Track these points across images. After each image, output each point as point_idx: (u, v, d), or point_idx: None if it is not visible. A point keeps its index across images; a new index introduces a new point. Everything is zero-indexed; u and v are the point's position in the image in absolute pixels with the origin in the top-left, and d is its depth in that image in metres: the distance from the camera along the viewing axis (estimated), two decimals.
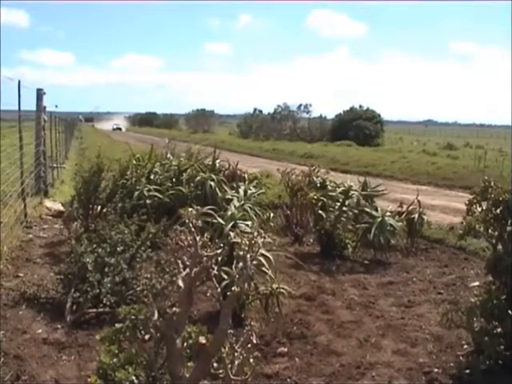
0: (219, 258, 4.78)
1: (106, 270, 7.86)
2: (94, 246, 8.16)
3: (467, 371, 6.36)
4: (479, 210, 6.67)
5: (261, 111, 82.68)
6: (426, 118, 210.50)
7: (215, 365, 4.58)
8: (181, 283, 4.61)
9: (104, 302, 7.52)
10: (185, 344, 4.63)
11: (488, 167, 33.67)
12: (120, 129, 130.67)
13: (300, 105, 76.93)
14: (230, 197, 11.29)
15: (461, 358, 6.66)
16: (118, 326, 4.64)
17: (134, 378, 4.52)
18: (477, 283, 7.82)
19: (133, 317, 4.59)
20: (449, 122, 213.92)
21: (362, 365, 6.62)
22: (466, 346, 6.94)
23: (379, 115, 70.10)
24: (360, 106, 70.25)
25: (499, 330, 6.32)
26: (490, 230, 6.61)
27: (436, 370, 6.56)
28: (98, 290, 7.60)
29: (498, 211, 6.45)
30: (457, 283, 10.19)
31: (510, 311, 6.30)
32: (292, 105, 77.54)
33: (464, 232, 6.89)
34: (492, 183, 6.64)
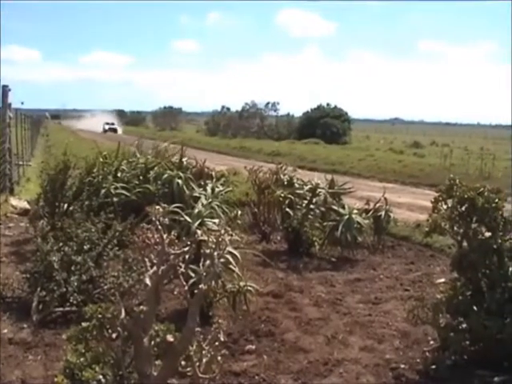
0: (186, 256, 4.77)
1: (73, 268, 7.80)
2: (61, 244, 8.10)
3: (433, 367, 6.44)
4: (445, 207, 6.74)
5: (228, 109, 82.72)
6: (393, 117, 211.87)
7: (183, 363, 4.58)
8: (148, 281, 4.60)
9: (71, 300, 7.47)
10: (152, 342, 4.61)
11: (454, 165, 34.05)
12: (115, 130, 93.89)
13: (268, 103, 77.09)
14: (197, 195, 11.25)
15: (427, 353, 6.71)
16: (84, 324, 4.61)
17: (101, 377, 4.50)
18: (443, 280, 7.88)
19: (100, 315, 4.57)
20: (415, 120, 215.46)
21: (330, 361, 6.65)
22: (432, 342, 6.99)
23: (346, 113, 70.48)
24: (327, 104, 70.56)
25: (464, 325, 6.38)
26: (455, 228, 6.68)
27: (403, 365, 6.61)
28: (64, 289, 7.55)
29: (464, 209, 6.52)
30: (423, 280, 10.29)
31: (474, 307, 6.37)
32: (260, 103, 77.65)
33: (430, 229, 6.96)
34: (457, 181, 6.71)
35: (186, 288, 4.94)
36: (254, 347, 7.00)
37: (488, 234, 6.53)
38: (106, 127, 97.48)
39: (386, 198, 12.89)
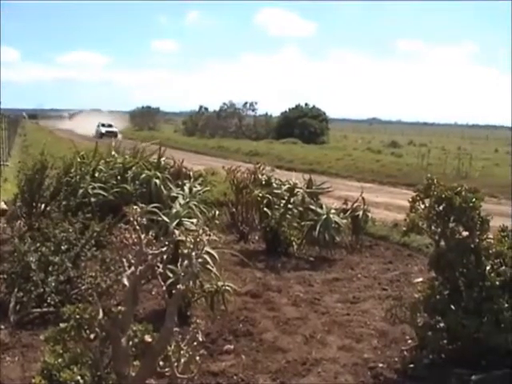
0: (164, 256, 4.76)
1: (50, 268, 7.77)
2: (38, 244, 8.06)
3: (411, 365, 6.47)
4: (422, 207, 6.77)
5: (206, 109, 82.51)
6: (371, 116, 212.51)
7: (161, 363, 4.57)
8: (126, 282, 4.58)
9: (48, 301, 7.44)
10: (130, 343, 4.60)
11: (431, 165, 34.21)
12: (115, 134, 62.22)
13: (246, 102, 76.97)
14: (175, 194, 11.25)
15: (405, 352, 6.75)
16: (62, 325, 4.59)
17: (79, 377, 4.48)
18: (420, 279, 7.91)
19: (78, 316, 4.54)
20: (393, 120, 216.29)
21: (308, 361, 6.67)
22: (409, 341, 7.03)
23: (324, 113, 70.55)
24: (306, 104, 70.60)
25: (442, 324, 6.43)
26: (432, 227, 6.72)
27: (381, 364, 6.64)
28: (42, 290, 7.51)
29: (441, 208, 6.56)
30: (401, 279, 10.33)
31: (452, 306, 6.41)
32: (238, 102, 77.55)
33: (407, 229, 6.99)
34: (435, 181, 6.75)
35: (164, 288, 4.94)
36: (232, 347, 7.00)
37: (465, 234, 6.57)
38: (102, 130, 72.43)
39: (363, 198, 12.94)
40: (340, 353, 6.98)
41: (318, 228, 11.61)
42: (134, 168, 13.60)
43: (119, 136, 62.62)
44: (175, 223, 8.51)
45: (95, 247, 8.44)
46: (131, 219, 4.75)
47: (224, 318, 7.74)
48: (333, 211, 12.13)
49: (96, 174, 13.05)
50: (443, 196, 6.51)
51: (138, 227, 4.66)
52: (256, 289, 9.34)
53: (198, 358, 4.57)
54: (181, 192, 11.33)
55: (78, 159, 13.51)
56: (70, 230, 8.44)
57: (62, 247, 8.09)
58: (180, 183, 12.63)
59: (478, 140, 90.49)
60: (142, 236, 4.63)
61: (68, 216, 9.55)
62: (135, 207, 4.89)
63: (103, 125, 78.20)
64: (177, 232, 5.45)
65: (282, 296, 9.13)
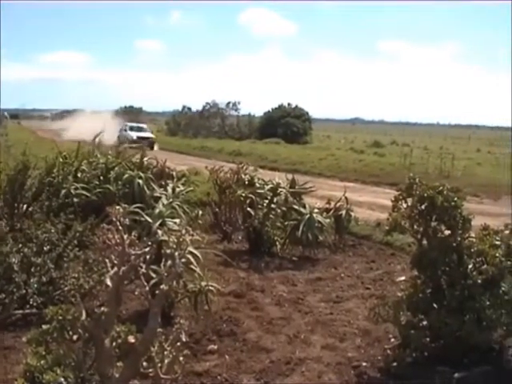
0: (147, 257, 4.75)
1: (33, 270, 7.73)
2: (20, 245, 8.01)
3: (394, 364, 6.50)
4: (405, 206, 6.80)
5: (189, 108, 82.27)
6: (354, 116, 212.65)
7: (145, 364, 4.56)
8: (109, 282, 4.57)
9: (31, 302, 7.41)
10: (114, 344, 4.58)
11: (414, 164, 34.35)
12: (151, 142, 50.49)
13: (229, 102, 76.84)
14: (158, 195, 11.23)
15: (388, 351, 6.78)
16: (45, 327, 4.56)
17: (62, 379, 4.46)
18: (403, 278, 7.96)
19: (60, 317, 4.52)
20: (375, 119, 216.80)
21: (292, 360, 6.68)
22: (393, 340, 7.06)
23: (307, 113, 70.63)
24: (288, 104, 70.65)
25: (425, 323, 6.47)
26: (415, 226, 6.75)
27: (364, 363, 6.67)
28: (24, 291, 7.47)
29: (423, 207, 6.59)
30: (384, 278, 10.37)
31: (435, 305, 6.45)
32: (221, 102, 77.38)
33: (390, 228, 7.02)
34: (417, 180, 6.78)
35: (147, 288, 4.92)
36: (216, 347, 7.00)
37: (447, 233, 6.61)
38: (132, 135, 53.23)
39: (346, 197, 12.99)
40: (324, 352, 7.00)
41: (301, 228, 11.63)
42: (116, 168, 13.55)
43: (156, 147, 49.57)
44: (158, 223, 8.49)
45: (78, 248, 8.41)
46: (114, 219, 4.74)
47: (207, 318, 7.74)
48: (316, 211, 12.15)
49: (79, 175, 12.99)
50: (425, 195, 6.55)
51: (120, 227, 4.65)
52: (239, 289, 9.34)
53: (181, 358, 4.56)
54: (164, 192, 11.31)
55: (61, 159, 13.43)
56: (53, 231, 8.39)
57: (45, 248, 8.05)
58: (163, 183, 12.61)
59: (460, 140, 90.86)
60: (125, 236, 4.62)
61: (50, 217, 9.51)
62: (118, 207, 4.87)
63: (132, 128, 57.81)
64: (160, 232, 5.46)
65: (266, 296, 9.14)
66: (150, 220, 8.63)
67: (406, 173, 7.87)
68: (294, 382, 6.23)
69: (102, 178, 13.16)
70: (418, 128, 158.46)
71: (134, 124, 62.02)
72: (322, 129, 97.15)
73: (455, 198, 6.54)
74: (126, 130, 57.03)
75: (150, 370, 4.53)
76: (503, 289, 6.48)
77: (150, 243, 4.95)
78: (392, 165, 35.29)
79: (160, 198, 10.42)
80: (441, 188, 6.60)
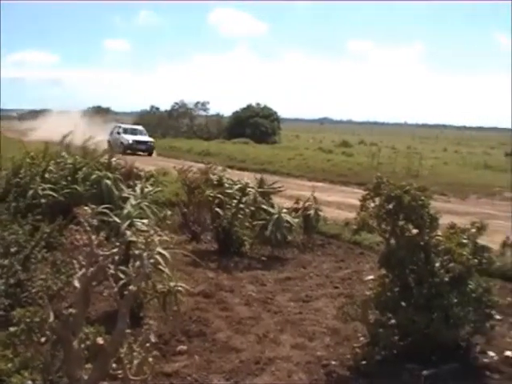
0: (115, 257, 4.73)
1: None
2: None
3: (363, 362, 6.55)
4: (372, 205, 6.85)
5: (158, 108, 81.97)
6: (322, 116, 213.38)
7: (114, 365, 4.54)
8: (77, 284, 4.55)
9: None
10: (82, 345, 4.56)
11: (382, 164, 34.60)
12: (148, 149, 46.22)
13: (197, 102, 76.70)
14: (126, 195, 11.17)
15: (357, 349, 6.81)
16: (12, 329, 4.54)
17: (30, 382, 4.44)
18: (371, 277, 8.00)
19: (28, 319, 4.49)
20: (344, 119, 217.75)
21: (262, 360, 6.69)
22: (362, 338, 7.08)
23: (276, 113, 70.74)
24: (257, 104, 70.70)
25: (393, 321, 6.52)
26: (383, 225, 6.81)
27: (334, 362, 6.70)
28: None
29: (391, 206, 6.63)
30: (352, 277, 10.42)
31: (403, 303, 6.49)
32: (189, 102, 77.19)
33: (358, 227, 7.06)
34: (385, 179, 6.83)
35: (116, 289, 4.91)
36: (185, 348, 6.98)
37: (415, 231, 6.66)
38: (129, 139, 46.50)
39: (315, 197, 13.02)
40: (293, 351, 7.01)
41: (269, 227, 11.66)
42: (84, 168, 13.45)
43: (154, 153, 45.46)
44: (126, 224, 8.45)
45: (46, 249, 8.33)
46: (82, 220, 4.72)
47: (177, 318, 7.71)
48: (284, 210, 12.19)
49: (46, 175, 12.86)
50: (393, 195, 6.60)
51: (88, 228, 4.63)
52: (208, 289, 9.33)
53: (150, 359, 4.55)
54: (132, 193, 11.25)
55: (28, 160, 13.31)
56: (20, 232, 8.31)
57: (12, 249, 7.96)
58: (131, 184, 12.55)
59: (428, 139, 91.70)
60: (93, 237, 4.60)
61: (17, 218, 9.41)
62: (86, 208, 4.85)
63: (126, 130, 49.37)
64: (128, 233, 5.44)
65: (235, 296, 9.13)
66: (118, 221, 8.59)
67: (374, 172, 7.93)
68: (263, 381, 6.24)
69: (69, 178, 13.05)
70: (386, 128, 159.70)
71: (129, 125, 53.91)
72: (291, 129, 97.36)
73: (422, 197, 6.60)
74: (119, 133, 48.63)
75: (119, 372, 4.51)
76: (470, 286, 6.56)
77: (118, 244, 4.93)
78: (360, 164, 35.53)
79: (128, 198, 10.36)
80: (408, 187, 6.66)
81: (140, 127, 53.05)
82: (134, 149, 44.64)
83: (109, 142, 44.15)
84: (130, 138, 47.00)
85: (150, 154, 42.66)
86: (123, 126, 52.32)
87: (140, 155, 39.81)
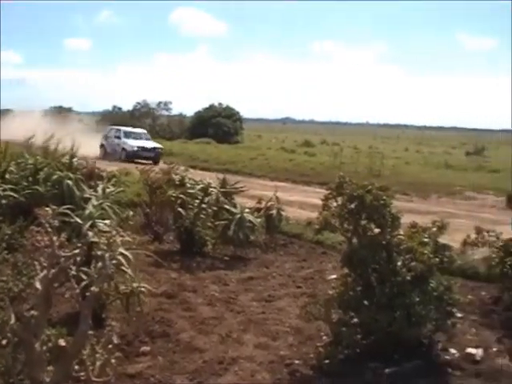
0: (77, 258, 4.70)
1: None
2: None
3: (327, 361, 6.56)
4: (335, 205, 6.88)
5: (120, 108, 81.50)
6: (284, 116, 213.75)
7: (76, 367, 4.51)
8: (38, 285, 4.51)
9: None
10: (44, 348, 4.52)
11: (344, 163, 34.83)
12: (154, 157, 38.74)
13: (159, 102, 76.44)
14: (88, 196, 11.10)
15: (320, 348, 6.82)
16: None
17: None
18: (334, 276, 8.04)
19: None
20: (306, 119, 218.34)
21: (225, 360, 6.69)
22: (324, 337, 7.11)
23: (238, 113, 70.80)
24: (219, 104, 70.68)
25: (356, 320, 6.55)
26: (345, 225, 6.84)
27: (297, 361, 6.72)
28: None
29: (353, 206, 6.67)
30: (315, 277, 10.45)
31: (365, 302, 6.53)
32: (152, 102, 76.89)
33: (320, 227, 7.09)
34: (347, 179, 6.86)
35: (78, 291, 4.87)
36: (148, 348, 6.96)
37: (377, 231, 6.71)
38: (134, 146, 40.51)
39: (277, 197, 13.05)
40: (256, 351, 7.02)
41: (232, 227, 11.66)
42: (45, 169, 13.33)
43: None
44: (88, 225, 8.39)
45: (6, 250, 8.23)
46: (43, 221, 4.68)
47: (139, 319, 7.67)
48: (247, 210, 12.21)
49: (7, 176, 12.73)
50: (355, 194, 6.63)
51: (50, 229, 4.59)
52: (171, 289, 9.30)
53: (113, 360, 4.53)
54: (94, 193, 11.18)
55: None
56: None
57: None
58: (93, 184, 12.46)
59: (389, 139, 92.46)
60: (55, 238, 4.56)
61: None
62: (47, 209, 4.81)
63: (127, 134, 42.88)
64: (90, 233, 5.40)
65: (198, 296, 9.12)
66: (79, 221, 8.53)
67: (337, 172, 7.97)
68: (227, 381, 6.24)
69: (30, 179, 12.93)
70: (348, 127, 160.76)
71: (130, 129, 45.72)
72: (253, 129, 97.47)
73: (384, 197, 6.65)
74: (118, 137, 42.33)
75: (82, 374, 4.49)
76: (432, 285, 6.62)
77: (79, 245, 4.90)
78: (322, 164, 35.76)
79: (90, 199, 10.30)
80: (370, 187, 6.70)
81: (143, 130, 46.49)
82: (138, 156, 38.66)
83: (102, 147, 42.27)
84: (134, 144, 40.62)
85: (156, 163, 34.05)
86: (123, 129, 44.62)
87: (142, 163, 32.00)
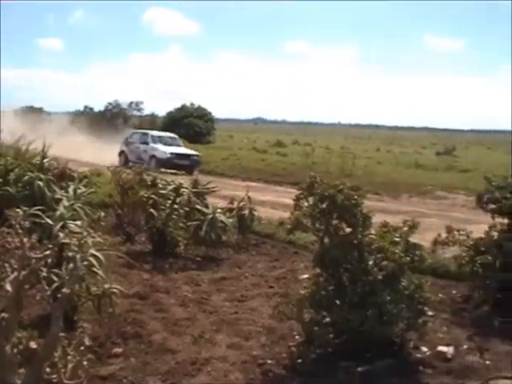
0: (48, 260, 4.68)
1: None
2: None
3: (299, 361, 6.58)
4: (306, 204, 6.90)
5: (91, 109, 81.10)
6: (256, 116, 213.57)
7: (48, 370, 4.48)
8: (9, 287, 4.48)
9: None
10: (15, 350, 4.49)
11: (316, 163, 34.96)
12: (192, 165, 33.49)
13: (131, 102, 76.21)
14: (59, 196, 11.03)
15: (293, 348, 6.85)
16: None
17: None
18: (306, 276, 8.08)
19: None
20: (278, 119, 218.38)
21: (198, 361, 6.68)
22: (297, 337, 7.13)
23: (210, 113, 70.75)
24: (191, 104, 70.60)
25: (328, 319, 6.58)
26: (317, 224, 6.86)
27: (270, 361, 6.73)
28: None
29: (324, 206, 6.70)
30: (287, 276, 10.47)
31: (337, 301, 6.56)
32: (123, 102, 76.61)
33: (292, 226, 7.12)
34: (318, 179, 6.89)
35: (49, 293, 4.85)
36: (120, 350, 6.93)
37: (349, 230, 6.74)
38: (167, 152, 34.73)
39: (249, 197, 13.07)
40: (229, 351, 7.02)
41: (204, 228, 11.65)
42: (16, 170, 13.23)
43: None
44: (59, 226, 8.34)
45: None
46: (14, 223, 4.65)
47: (112, 320, 7.65)
48: (219, 210, 12.21)
49: None
50: (326, 194, 6.66)
51: (20, 231, 4.56)
52: (143, 290, 9.27)
53: (85, 362, 4.51)
54: (65, 194, 11.11)
55: None
56: None
57: None
58: (64, 185, 12.39)
59: (361, 139, 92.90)
60: (25, 240, 4.53)
61: None
62: (18, 210, 4.79)
63: (155, 139, 37.20)
64: (61, 235, 5.38)
65: (170, 297, 9.10)
66: (50, 222, 8.48)
67: (309, 172, 8.00)
68: (200, 381, 6.23)
69: (1, 180, 12.84)
70: (320, 127, 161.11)
71: (159, 132, 41.14)
72: (225, 129, 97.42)
73: (355, 197, 6.69)
74: (145, 143, 36.31)
75: (54, 376, 4.46)
76: (403, 284, 6.68)
77: (50, 246, 4.87)
78: (294, 164, 35.87)
79: (61, 199, 10.24)
80: (341, 187, 6.73)
81: (174, 135, 40.68)
82: (172, 165, 33.26)
83: (122, 153, 37.00)
84: (166, 150, 34.74)
85: (190, 173, 29.97)
86: (151, 132, 38.85)
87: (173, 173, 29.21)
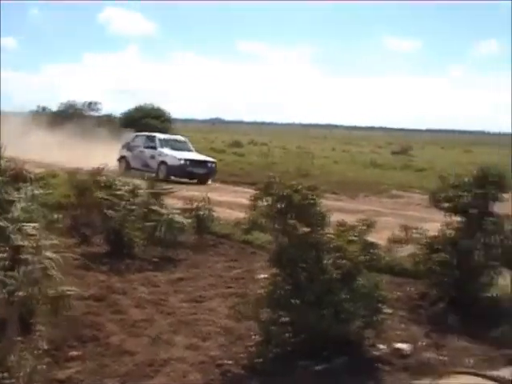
0: (3, 263, 4.63)
1: None
2: None
3: (257, 360, 6.60)
4: (264, 204, 6.92)
5: (44, 109, 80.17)
6: (214, 116, 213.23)
7: (4, 374, 4.44)
8: None
9: None
10: None
11: (275, 163, 35.04)
12: (207, 173, 29.42)
13: (87, 102, 75.51)
14: (14, 198, 10.91)
15: (251, 348, 6.86)
16: None
17: None
18: (264, 275, 8.11)
19: None
20: (235, 120, 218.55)
21: (156, 362, 6.67)
22: (255, 337, 7.15)
23: (168, 113, 70.48)
24: (148, 104, 70.27)
25: (286, 318, 6.61)
26: (274, 224, 6.88)
27: (228, 361, 6.75)
28: None
29: (282, 206, 6.72)
30: (245, 276, 10.48)
31: (294, 300, 6.59)
32: (79, 102, 75.89)
33: (249, 226, 7.14)
34: (276, 179, 6.92)
35: (4, 296, 4.79)
36: (78, 353, 6.88)
37: (306, 230, 6.77)
38: (179, 158, 29.32)
39: (208, 197, 13.06)
40: (187, 352, 7.01)
41: (160, 228, 11.62)
42: None
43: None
44: (14, 228, 8.25)
45: None
46: None
47: (68, 323, 7.59)
48: (176, 211, 12.17)
49: None
50: (283, 194, 6.69)
51: None
52: (100, 292, 9.21)
53: (42, 366, 4.47)
54: (20, 195, 11.00)
55: None
56: None
57: None
58: (19, 186, 12.26)
59: (317, 139, 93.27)
60: None
61: None
62: None
63: (164, 143, 31.80)
64: (16, 237, 5.31)
65: (127, 298, 9.05)
66: (5, 224, 8.38)
67: (267, 172, 8.04)
68: (159, 383, 6.23)
69: None
70: (275, 127, 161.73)
71: (168, 135, 35.98)
72: (183, 129, 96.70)
73: (312, 196, 6.72)
74: (152, 147, 31.13)
75: (12, 381, 4.41)
76: (360, 282, 6.73)
77: (5, 248, 4.82)
78: (251, 164, 35.84)
79: (16, 201, 10.13)
80: (299, 187, 6.77)
81: (183, 138, 35.61)
82: (186, 173, 29.13)
83: (123, 159, 32.01)
84: (179, 156, 29.80)
85: (204, 182, 28.47)
86: (158, 135, 33.40)
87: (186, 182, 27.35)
